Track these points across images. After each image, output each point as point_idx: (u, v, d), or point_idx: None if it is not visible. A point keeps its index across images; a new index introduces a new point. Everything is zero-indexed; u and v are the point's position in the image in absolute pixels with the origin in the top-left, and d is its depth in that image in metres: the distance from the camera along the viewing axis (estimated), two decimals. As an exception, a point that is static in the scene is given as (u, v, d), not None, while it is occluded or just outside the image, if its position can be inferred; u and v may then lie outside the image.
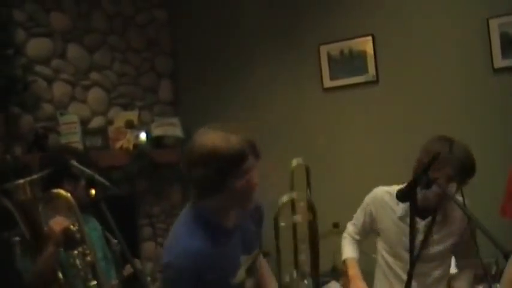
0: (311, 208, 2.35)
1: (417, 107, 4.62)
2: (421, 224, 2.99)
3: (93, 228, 3.07)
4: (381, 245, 3.18)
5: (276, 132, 4.84)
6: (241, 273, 2.27)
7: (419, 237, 2.96)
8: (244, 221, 2.42)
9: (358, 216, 3.25)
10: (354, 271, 3.15)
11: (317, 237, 2.19)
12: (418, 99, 4.64)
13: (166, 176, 5.36)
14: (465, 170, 2.83)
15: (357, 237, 3.27)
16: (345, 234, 3.30)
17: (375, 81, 4.79)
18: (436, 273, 3.07)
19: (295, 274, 2.72)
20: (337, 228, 4.17)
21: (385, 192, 3.11)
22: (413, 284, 2.96)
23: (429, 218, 2.98)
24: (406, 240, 2.85)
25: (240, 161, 2.20)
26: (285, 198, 2.32)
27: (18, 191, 2.73)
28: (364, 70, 4.81)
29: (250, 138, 2.23)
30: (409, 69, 4.68)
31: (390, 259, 3.11)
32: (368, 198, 3.19)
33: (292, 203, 2.38)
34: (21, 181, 2.74)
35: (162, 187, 5.41)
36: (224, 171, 2.19)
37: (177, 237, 2.29)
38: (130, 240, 2.80)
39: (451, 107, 4.52)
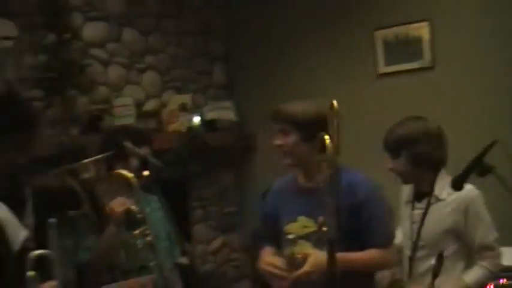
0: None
1: (474, 95, 4.52)
2: (417, 207, 2.88)
3: (155, 208, 3.10)
4: None
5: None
6: (291, 228, 2.69)
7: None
8: (325, 188, 2.47)
9: None
10: None
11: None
12: (474, 86, 4.53)
13: (219, 159, 5.39)
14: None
15: None
16: None
17: (431, 67, 4.71)
18: (428, 263, 2.77)
19: None
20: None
21: None
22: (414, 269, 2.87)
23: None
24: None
25: None
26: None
27: (84, 170, 2.78)
28: (419, 56, 4.73)
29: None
30: (467, 56, 4.58)
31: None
32: None
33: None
34: (86, 161, 2.80)
35: (214, 170, 5.45)
36: None
37: None
38: (182, 222, 2.83)
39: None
